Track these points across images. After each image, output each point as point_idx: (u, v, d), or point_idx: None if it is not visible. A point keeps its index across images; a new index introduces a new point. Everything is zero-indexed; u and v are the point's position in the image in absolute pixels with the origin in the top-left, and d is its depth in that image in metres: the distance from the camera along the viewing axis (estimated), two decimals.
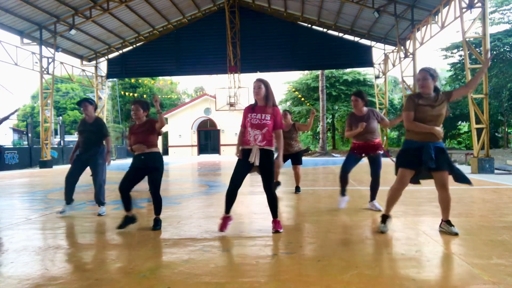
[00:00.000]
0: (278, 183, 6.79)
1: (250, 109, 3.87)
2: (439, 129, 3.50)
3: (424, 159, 3.45)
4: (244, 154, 3.81)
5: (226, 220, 3.88)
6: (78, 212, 5.35)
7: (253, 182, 8.51)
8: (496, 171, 10.71)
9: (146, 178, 4.19)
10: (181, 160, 23.27)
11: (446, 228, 3.63)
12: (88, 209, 5.51)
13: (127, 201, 4.12)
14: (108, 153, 5.18)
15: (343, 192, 5.03)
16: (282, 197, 6.41)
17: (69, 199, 5.08)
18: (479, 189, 7.00)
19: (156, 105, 4.06)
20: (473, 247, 3.20)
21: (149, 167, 4.11)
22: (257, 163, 3.70)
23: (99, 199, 5.11)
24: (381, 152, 4.85)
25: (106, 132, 5.20)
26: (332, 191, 5.16)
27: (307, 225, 4.18)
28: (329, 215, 4.72)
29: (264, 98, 3.82)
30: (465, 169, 11.48)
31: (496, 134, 26.54)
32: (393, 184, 3.71)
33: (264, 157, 3.74)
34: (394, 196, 3.71)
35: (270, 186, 3.81)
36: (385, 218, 3.77)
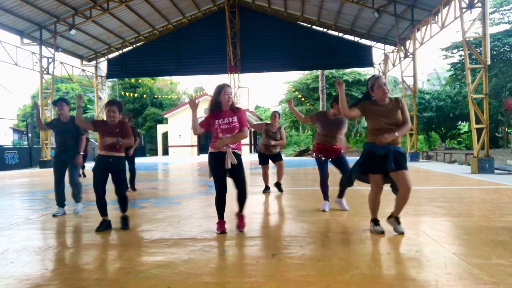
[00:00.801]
0: (267, 188, 6.81)
1: (214, 116, 3.84)
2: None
3: (388, 162, 3.49)
4: (216, 158, 3.81)
5: (221, 223, 3.92)
6: None
7: (253, 182, 8.52)
8: (496, 171, 10.70)
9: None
10: (181, 160, 23.27)
11: (395, 225, 3.64)
12: (88, 209, 5.50)
13: (104, 206, 4.17)
14: (79, 155, 5.18)
15: (326, 197, 5.08)
16: (281, 197, 6.41)
17: (61, 203, 5.11)
18: (479, 189, 6.99)
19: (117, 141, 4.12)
20: (473, 247, 3.20)
21: (114, 169, 4.18)
22: (229, 166, 3.73)
23: (78, 197, 5.15)
24: (342, 154, 4.92)
25: (82, 131, 5.19)
26: (332, 191, 5.15)
27: (307, 225, 4.18)
28: (329, 215, 4.72)
29: (231, 104, 3.87)
30: (465, 169, 11.51)
31: (496, 134, 26.53)
32: (369, 191, 3.73)
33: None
34: (375, 201, 3.73)
35: (242, 186, 3.86)
36: (375, 221, 3.77)
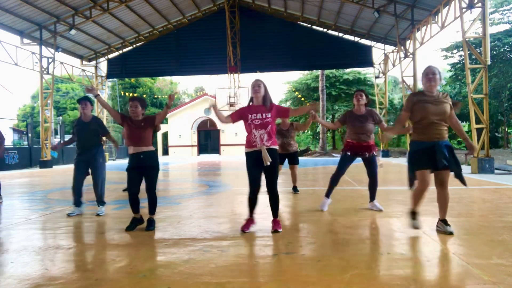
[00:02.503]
0: None
1: (248, 110, 3.89)
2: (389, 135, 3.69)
3: (438, 158, 3.42)
4: (251, 156, 3.83)
5: (249, 222, 3.93)
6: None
7: None
8: (496, 171, 10.70)
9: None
10: (181, 160, 23.26)
11: (442, 227, 3.63)
12: (88, 209, 5.50)
13: (137, 204, 4.15)
14: (115, 142, 5.45)
15: (328, 194, 5.03)
16: (281, 197, 6.40)
17: (78, 202, 5.09)
18: (479, 189, 6.99)
19: (170, 102, 4.11)
20: (473, 247, 3.20)
21: (147, 166, 4.12)
22: (268, 163, 3.72)
23: (101, 199, 5.12)
24: (375, 153, 4.88)
25: (106, 129, 5.29)
26: (337, 191, 5.14)
27: (307, 225, 4.18)
28: (329, 215, 4.72)
29: (262, 98, 3.87)
30: (465, 169, 11.48)
31: (496, 134, 26.55)
32: (416, 187, 3.64)
33: (271, 157, 3.76)
34: (418, 196, 3.64)
35: (274, 185, 3.85)
36: (414, 214, 3.70)
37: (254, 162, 3.81)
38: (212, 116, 31.60)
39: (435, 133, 3.48)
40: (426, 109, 3.49)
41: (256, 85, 3.87)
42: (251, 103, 3.93)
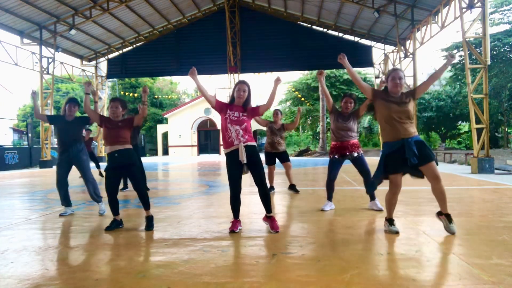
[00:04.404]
0: (272, 188, 6.79)
1: (229, 106, 3.93)
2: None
3: (407, 156, 3.46)
4: (230, 156, 3.83)
5: (236, 223, 3.93)
6: (77, 212, 5.34)
7: (252, 182, 8.52)
8: (496, 171, 10.70)
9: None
10: (181, 160, 23.26)
11: (446, 223, 3.60)
12: (88, 209, 5.51)
13: (115, 205, 4.13)
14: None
15: (330, 198, 5.09)
16: (281, 197, 6.41)
17: (67, 202, 5.09)
18: (479, 189, 6.99)
19: (144, 96, 4.14)
20: (473, 247, 3.20)
21: (125, 164, 4.10)
22: (245, 160, 3.74)
23: (96, 196, 5.11)
24: (361, 152, 4.90)
25: (86, 127, 5.20)
26: (339, 191, 5.14)
27: (307, 225, 4.18)
28: (329, 215, 4.72)
29: (244, 101, 3.93)
30: (465, 169, 11.51)
31: (496, 134, 26.55)
32: (387, 191, 3.71)
33: (250, 153, 3.79)
34: (392, 201, 3.71)
35: (262, 180, 3.86)
36: (391, 221, 3.76)
37: (233, 163, 3.81)
38: (212, 116, 31.64)
39: (401, 131, 3.53)
40: (389, 108, 3.56)
41: (242, 90, 3.91)
42: (232, 102, 3.96)
